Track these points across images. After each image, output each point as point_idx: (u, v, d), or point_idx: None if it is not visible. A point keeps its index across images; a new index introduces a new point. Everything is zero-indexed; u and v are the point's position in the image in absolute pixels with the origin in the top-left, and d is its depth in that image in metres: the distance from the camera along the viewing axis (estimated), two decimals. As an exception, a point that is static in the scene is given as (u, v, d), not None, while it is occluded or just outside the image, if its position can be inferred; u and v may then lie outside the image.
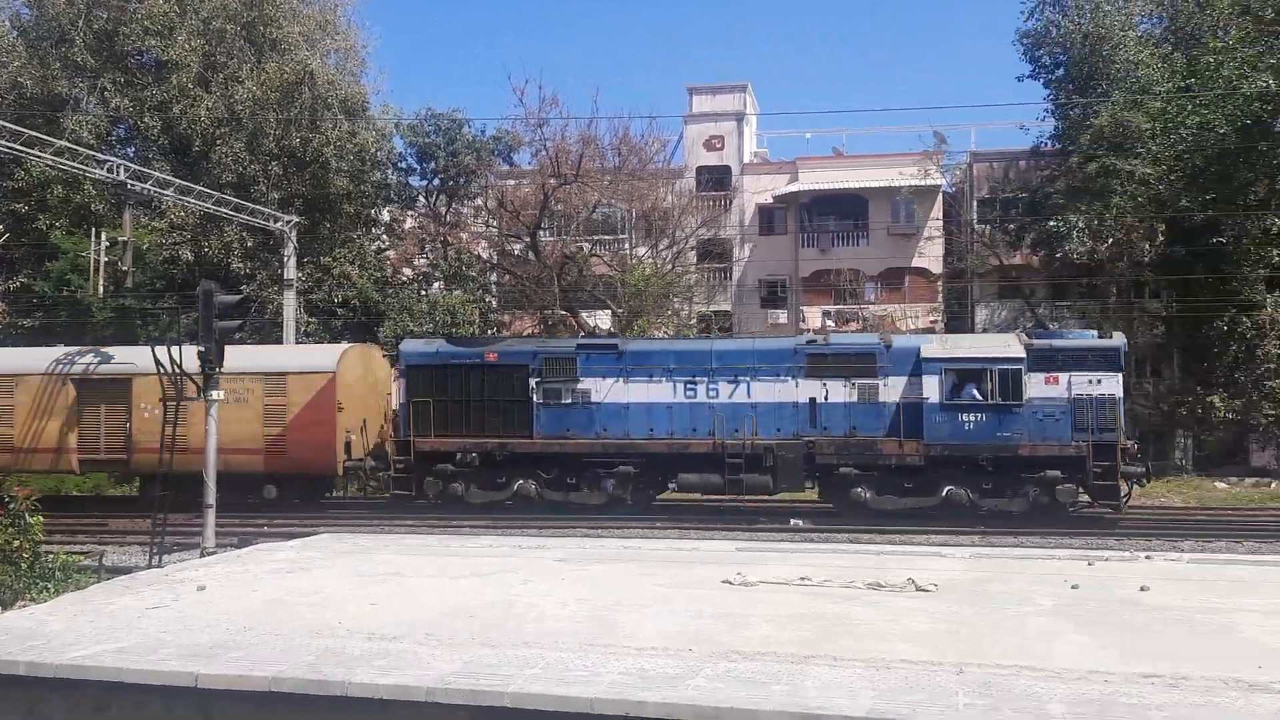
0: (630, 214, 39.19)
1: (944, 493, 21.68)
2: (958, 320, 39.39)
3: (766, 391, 22.14)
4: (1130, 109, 27.79)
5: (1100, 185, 28.81)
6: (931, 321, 38.99)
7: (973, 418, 21.31)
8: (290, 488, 24.67)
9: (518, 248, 39.22)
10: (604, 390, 22.63)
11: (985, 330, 37.11)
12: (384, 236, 39.79)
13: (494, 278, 40.31)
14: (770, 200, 42.47)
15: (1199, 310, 29.50)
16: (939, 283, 40.85)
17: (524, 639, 8.79)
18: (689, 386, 22.32)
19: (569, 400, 22.76)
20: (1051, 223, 31.40)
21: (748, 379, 22.23)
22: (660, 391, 22.40)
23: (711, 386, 22.37)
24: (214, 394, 17.13)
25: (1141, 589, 11.66)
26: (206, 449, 17.13)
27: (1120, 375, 21.50)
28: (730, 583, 11.73)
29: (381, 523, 22.23)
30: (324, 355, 25.35)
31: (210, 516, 16.94)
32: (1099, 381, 21.12)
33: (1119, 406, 21.23)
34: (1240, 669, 8.11)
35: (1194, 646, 8.97)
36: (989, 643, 9.07)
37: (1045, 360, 21.28)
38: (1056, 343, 22.21)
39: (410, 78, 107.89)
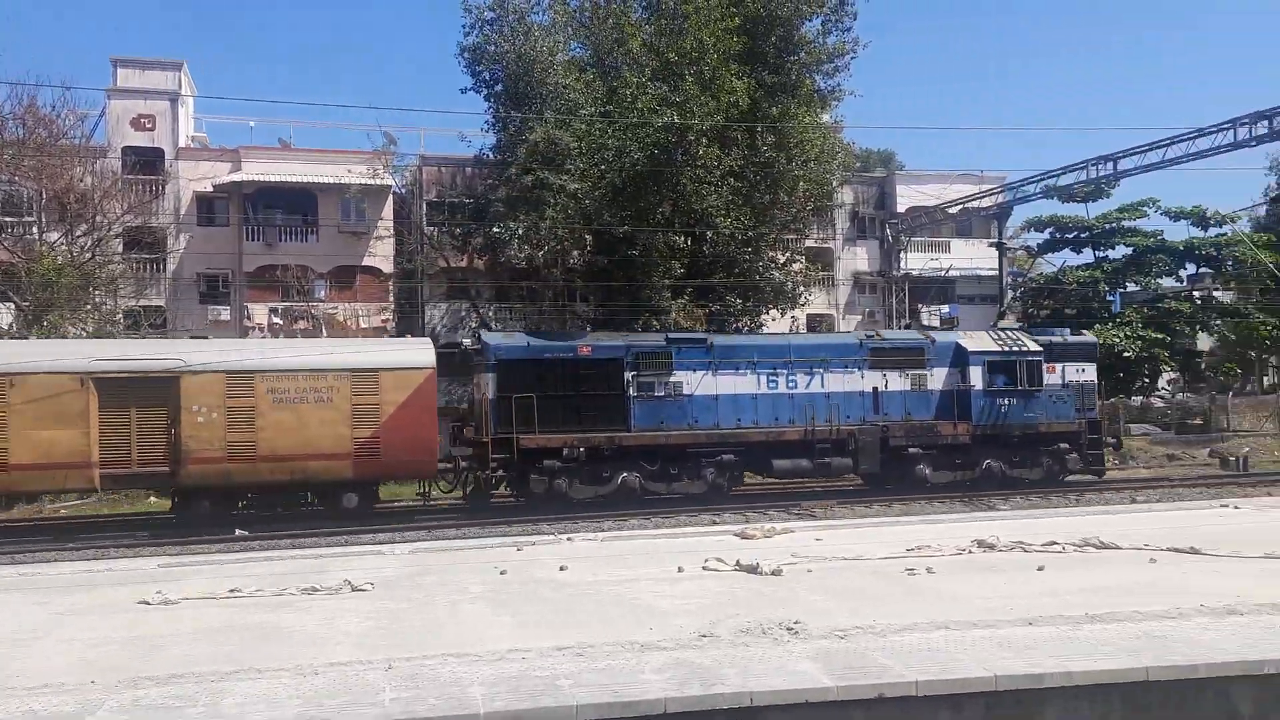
0: (40, 194, 34.45)
1: (985, 465, 24.40)
2: (409, 319, 40.05)
3: (838, 382, 23.86)
4: (560, 128, 30.18)
5: (536, 197, 30.88)
6: (384, 320, 39.20)
7: (1008, 402, 24.51)
8: (364, 494, 21.76)
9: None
10: (695, 383, 23.07)
11: (437, 329, 38.25)
12: None
13: None
14: (211, 189, 39.74)
15: (619, 313, 32.97)
16: (390, 282, 41.18)
17: None
18: (771, 379, 23.50)
19: (662, 393, 22.85)
20: (495, 229, 32.98)
21: (821, 371, 23.84)
22: (746, 384, 23.34)
23: (791, 378, 23.72)
24: None
25: (561, 568, 12.67)
26: None
27: (1095, 365, 25.86)
28: (149, 603, 10.77)
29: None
30: (417, 350, 23.01)
31: None
32: (1085, 370, 25.47)
33: (1096, 390, 25.79)
34: (636, 632, 9.13)
35: (600, 616, 9.93)
36: (420, 635, 9.26)
37: (1052, 353, 25.04)
38: (1057, 339, 25.77)
39: None
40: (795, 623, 9.28)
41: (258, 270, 39.81)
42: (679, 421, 23.00)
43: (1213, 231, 48.86)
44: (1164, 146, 28.78)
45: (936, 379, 24.67)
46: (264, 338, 35.82)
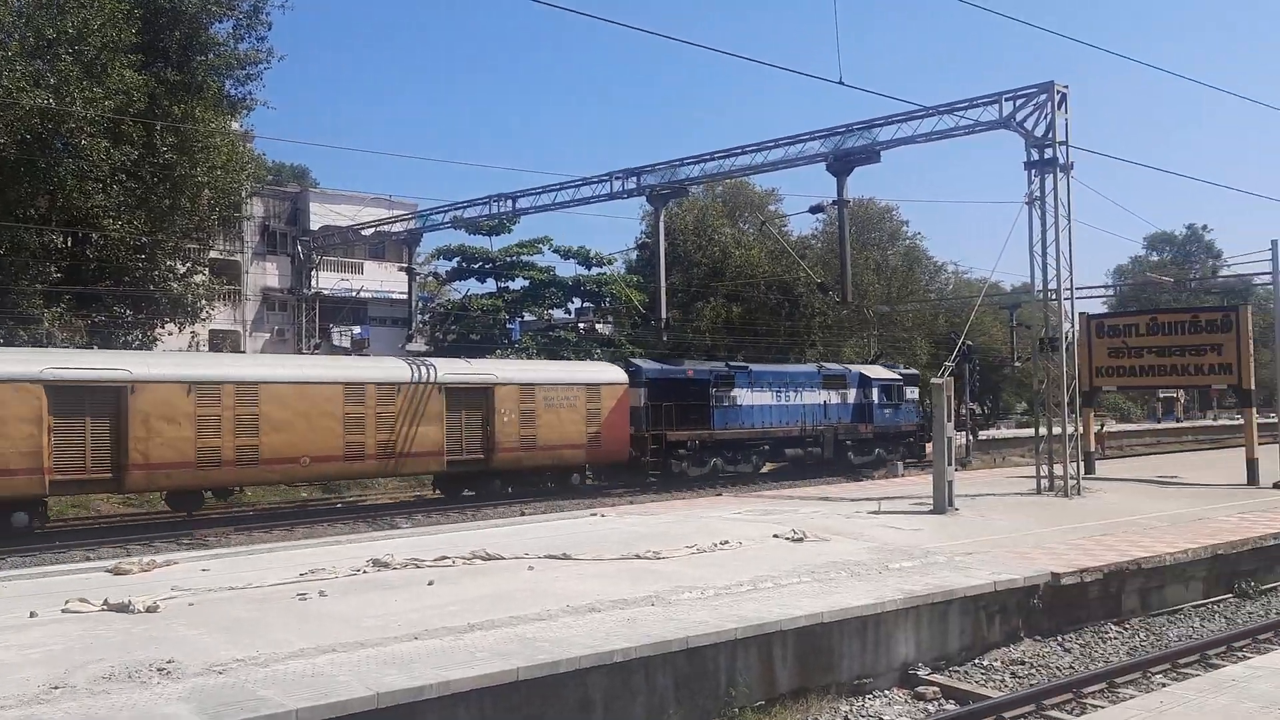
0: None
1: (876, 452, 36.66)
2: None
3: (810, 397, 35.15)
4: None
5: None
6: None
7: (888, 411, 37.35)
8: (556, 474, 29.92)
9: None
10: (744, 397, 33.10)
11: None
12: None
13: None
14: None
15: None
16: None
17: None
18: (779, 394, 34.20)
19: (728, 404, 32.70)
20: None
21: (801, 389, 34.96)
22: (768, 398, 33.86)
23: (787, 394, 34.50)
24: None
25: None
26: None
27: (917, 388, 38.49)
28: None
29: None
30: (616, 370, 31.95)
31: None
32: (915, 391, 38.62)
33: (916, 403, 38.46)
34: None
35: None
36: None
37: (906, 380, 38.63)
38: (907, 371, 40.16)
39: None
40: (168, 662, 8.56)
41: None
42: (738, 423, 32.88)
43: (595, 270, 54.89)
44: (555, 190, 31.69)
45: (852, 396, 36.64)
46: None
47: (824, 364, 39.46)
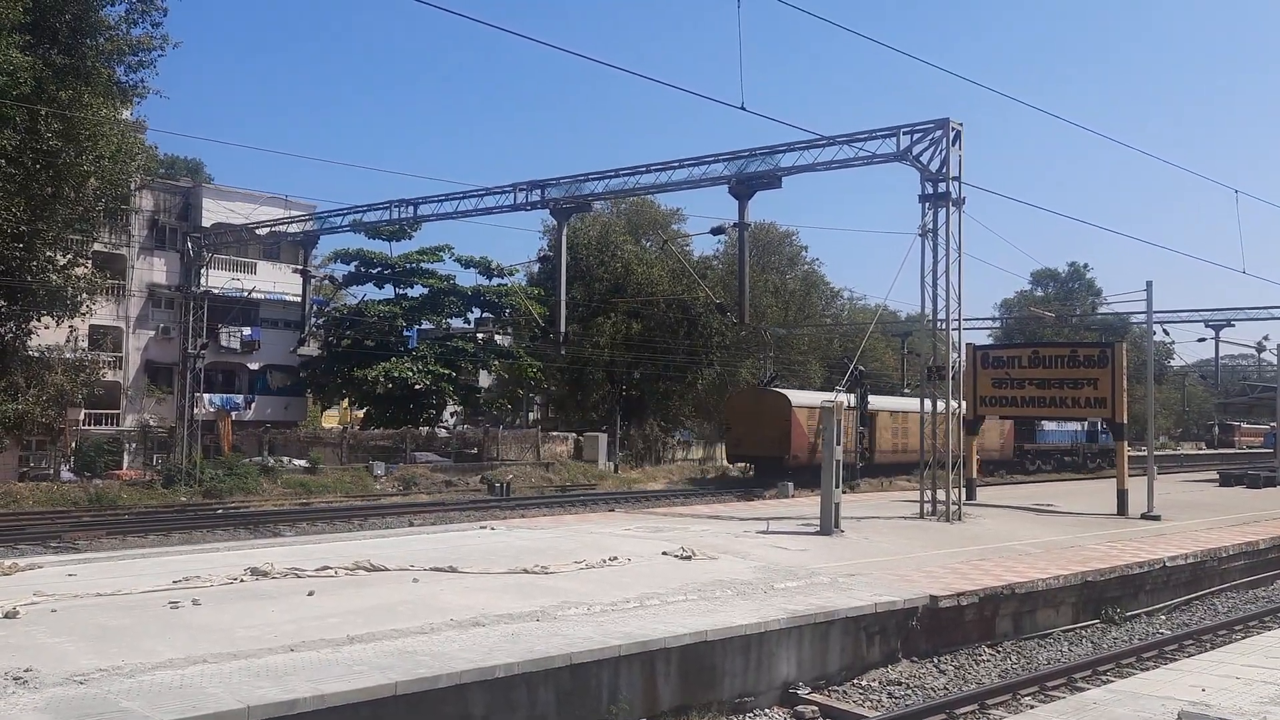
0: None
1: None
2: None
3: None
4: None
5: None
6: None
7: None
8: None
9: None
10: None
11: None
12: None
13: None
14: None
15: None
16: None
17: None
18: None
19: None
20: None
21: None
22: None
23: None
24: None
25: None
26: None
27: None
28: None
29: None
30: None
31: None
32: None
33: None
34: None
35: None
36: None
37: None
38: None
39: None
40: (26, 670, 8.18)
41: None
42: None
43: (496, 281, 54.54)
44: (458, 199, 31.33)
45: None
46: None
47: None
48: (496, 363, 55.43)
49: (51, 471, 37.22)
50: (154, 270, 46.87)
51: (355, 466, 41.01)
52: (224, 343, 48.79)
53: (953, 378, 23.28)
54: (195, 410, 37.56)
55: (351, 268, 53.32)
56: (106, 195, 32.68)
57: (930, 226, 22.71)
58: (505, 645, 9.59)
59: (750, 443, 43.66)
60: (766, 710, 10.88)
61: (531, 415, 65.66)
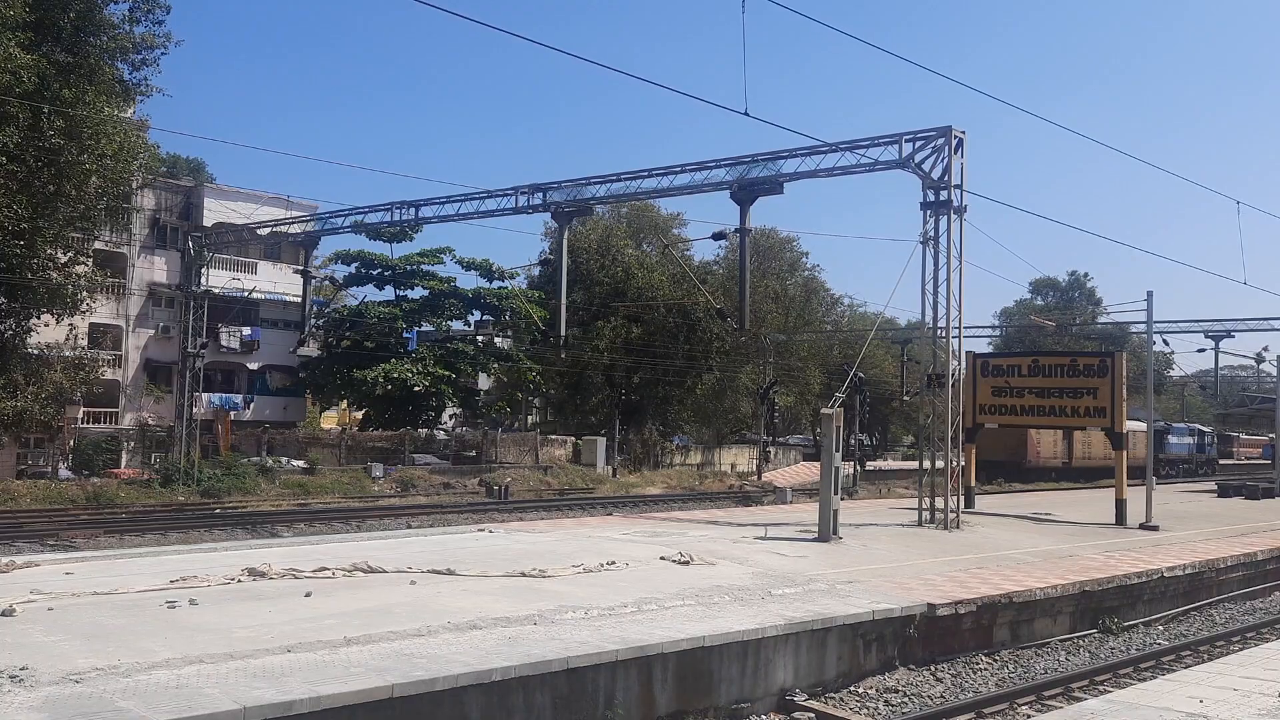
0: None
1: None
2: None
3: None
4: None
5: None
6: None
7: None
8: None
9: None
10: None
11: None
12: None
13: None
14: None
15: None
16: None
17: None
18: None
19: None
20: None
21: None
22: None
23: None
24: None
25: None
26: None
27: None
28: None
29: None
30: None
31: None
32: None
33: None
34: None
35: None
36: None
37: None
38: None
39: None
40: (22, 669, 8.15)
41: None
42: None
43: (496, 284, 54.57)
44: (460, 201, 31.34)
45: None
46: None
47: None
48: (496, 365, 55.42)
49: (49, 469, 37.22)
50: (154, 269, 46.89)
51: (353, 468, 40.98)
52: (224, 342, 48.79)
53: (952, 386, 23.28)
54: (194, 410, 37.54)
55: (352, 269, 53.36)
56: (108, 194, 32.65)
57: (931, 234, 22.70)
58: (502, 648, 9.56)
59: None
60: (763, 717, 10.86)
61: (530, 418, 65.66)
